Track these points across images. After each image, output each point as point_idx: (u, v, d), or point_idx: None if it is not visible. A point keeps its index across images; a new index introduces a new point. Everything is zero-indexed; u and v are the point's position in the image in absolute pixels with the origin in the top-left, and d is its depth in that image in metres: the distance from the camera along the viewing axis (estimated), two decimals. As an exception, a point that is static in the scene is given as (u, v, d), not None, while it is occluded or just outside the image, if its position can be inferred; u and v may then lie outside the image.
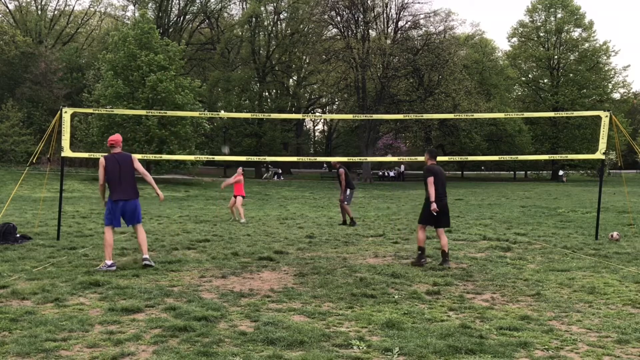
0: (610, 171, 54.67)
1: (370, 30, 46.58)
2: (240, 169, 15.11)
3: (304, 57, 56.88)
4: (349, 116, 14.68)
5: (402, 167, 52.65)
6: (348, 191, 13.89)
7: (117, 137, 8.04)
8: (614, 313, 5.61)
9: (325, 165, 56.03)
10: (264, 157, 13.53)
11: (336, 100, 58.99)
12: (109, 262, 7.54)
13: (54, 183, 26.22)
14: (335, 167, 14.58)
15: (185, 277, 7.22)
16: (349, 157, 13.15)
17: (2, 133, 36.19)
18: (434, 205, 7.94)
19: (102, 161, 7.75)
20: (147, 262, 7.65)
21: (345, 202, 13.87)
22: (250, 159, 12.75)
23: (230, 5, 57.52)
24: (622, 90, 58.94)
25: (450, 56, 43.64)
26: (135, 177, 7.81)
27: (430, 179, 8.00)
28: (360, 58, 41.83)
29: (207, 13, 54.21)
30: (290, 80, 61.26)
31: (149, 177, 7.86)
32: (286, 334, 4.76)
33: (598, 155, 10.96)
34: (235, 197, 14.57)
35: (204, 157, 12.96)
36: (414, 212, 17.91)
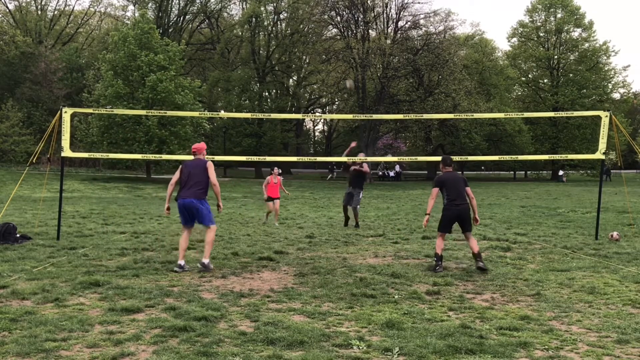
0: (611, 171, 54.68)
1: (370, 30, 46.54)
2: (276, 169, 14.23)
3: (304, 57, 56.88)
4: (349, 116, 14.65)
5: (398, 167, 52.26)
6: (361, 194, 13.14)
7: (199, 145, 8.25)
8: (614, 313, 5.61)
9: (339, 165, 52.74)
10: (264, 157, 13.50)
11: (336, 100, 58.98)
12: (180, 263, 7.66)
13: (54, 183, 26.22)
14: (357, 164, 13.31)
15: (185, 277, 7.22)
16: (349, 157, 13.11)
17: (2, 133, 36.20)
18: (425, 219, 8.15)
19: (180, 166, 8.07)
20: (201, 267, 7.64)
21: (358, 205, 13.08)
22: (250, 159, 12.74)
23: (230, 5, 57.59)
24: (622, 90, 58.91)
25: (450, 56, 43.61)
26: (205, 182, 7.86)
27: (434, 190, 8.07)
28: (360, 58, 41.81)
29: (207, 13, 54.23)
30: (290, 80, 61.27)
31: (217, 188, 7.93)
32: (286, 334, 4.76)
33: (598, 155, 10.96)
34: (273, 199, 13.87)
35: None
36: (414, 212, 17.91)
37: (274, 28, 54.82)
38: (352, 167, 13.21)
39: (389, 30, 46.91)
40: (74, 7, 57.09)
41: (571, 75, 55.38)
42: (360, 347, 4.52)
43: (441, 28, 47.42)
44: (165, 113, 16.30)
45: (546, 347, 4.59)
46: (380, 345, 4.56)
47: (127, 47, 33.06)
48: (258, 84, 54.79)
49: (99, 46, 48.69)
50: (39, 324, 4.94)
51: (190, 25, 55.99)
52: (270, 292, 6.41)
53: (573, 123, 52.48)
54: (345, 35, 45.93)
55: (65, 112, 10.46)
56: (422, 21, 46.20)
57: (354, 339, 4.70)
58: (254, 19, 51.60)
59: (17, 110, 38.22)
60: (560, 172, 51.36)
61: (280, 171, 14.78)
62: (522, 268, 8.01)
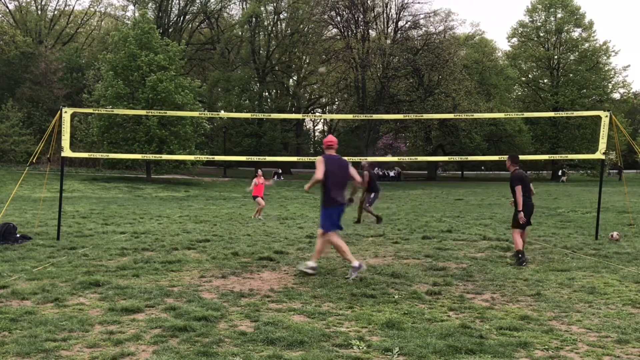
0: (610, 171, 54.63)
1: (370, 30, 46.59)
2: (260, 172, 15.68)
3: (304, 57, 56.90)
4: (349, 116, 14.65)
5: (394, 171, 51.57)
6: (372, 194, 14.06)
7: (334, 138, 7.67)
8: (614, 313, 5.61)
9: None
10: (264, 157, 13.51)
11: (336, 100, 59.02)
12: (355, 264, 7.15)
13: (54, 183, 26.22)
14: (363, 168, 14.13)
15: (185, 277, 7.22)
16: (349, 157, 13.10)
17: (2, 133, 36.19)
18: (521, 214, 8.17)
19: (324, 159, 7.34)
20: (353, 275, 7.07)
21: (368, 204, 14.07)
22: (250, 159, 12.74)
23: (230, 5, 57.66)
24: (622, 90, 58.90)
25: (450, 56, 43.64)
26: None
27: (519, 188, 8.17)
28: (360, 58, 41.83)
29: (207, 13, 54.26)
30: (290, 80, 61.29)
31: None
32: (286, 334, 4.76)
33: (598, 155, 10.96)
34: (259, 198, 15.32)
35: (204, 157, 12.96)
36: (414, 212, 17.91)
37: (274, 28, 54.85)
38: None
39: (389, 30, 46.96)
40: (74, 7, 56.99)
41: (571, 75, 55.37)
42: (360, 347, 4.52)
43: (441, 28, 47.54)
44: (165, 113, 16.33)
45: (546, 347, 4.59)
46: (380, 345, 4.56)
47: (127, 47, 33.05)
48: (258, 84, 54.81)
49: (99, 46, 48.68)
50: (39, 324, 4.94)
51: (190, 25, 56.01)
52: (270, 292, 6.40)
53: (573, 123, 52.48)
54: (345, 35, 45.96)
55: (65, 112, 10.46)
56: (422, 21, 46.33)
57: (354, 339, 4.70)
58: (254, 19, 51.63)
59: (17, 110, 38.22)
60: (560, 172, 51.35)
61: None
62: (522, 268, 8.00)
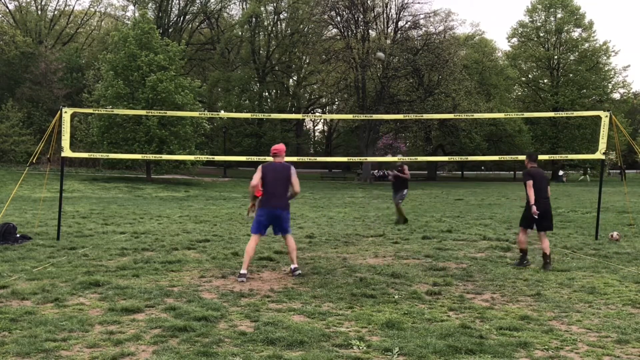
0: (610, 171, 54.61)
1: (370, 30, 46.55)
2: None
3: (304, 57, 56.90)
4: (349, 116, 14.65)
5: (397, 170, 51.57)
6: (405, 191, 14.04)
7: (280, 146, 7.93)
8: (614, 313, 5.62)
9: (387, 172, 48.58)
10: (264, 157, 13.51)
11: (336, 100, 58.99)
12: (242, 271, 7.21)
13: (54, 183, 26.21)
14: (401, 167, 14.10)
15: (185, 277, 7.22)
16: (349, 157, 13.10)
17: (2, 133, 36.17)
18: (534, 208, 7.98)
19: (261, 168, 7.62)
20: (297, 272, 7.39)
21: (400, 200, 13.98)
22: (250, 159, 12.74)
23: (230, 5, 57.65)
24: (622, 91, 58.81)
25: (450, 56, 43.61)
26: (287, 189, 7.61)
27: (529, 182, 8.10)
28: (360, 58, 41.82)
29: (207, 13, 54.26)
30: (290, 80, 61.29)
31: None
32: (286, 334, 4.76)
33: (598, 155, 10.96)
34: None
35: (204, 157, 12.97)
36: (414, 212, 17.90)
37: (274, 28, 54.86)
38: (394, 173, 14.03)
39: (389, 30, 46.91)
40: (74, 7, 56.96)
41: (571, 75, 55.34)
42: (360, 347, 4.52)
43: (441, 28, 47.49)
44: (165, 113, 16.34)
45: (546, 347, 4.59)
46: (380, 345, 4.56)
47: (127, 47, 33.02)
48: (258, 84, 54.82)
49: (99, 46, 48.67)
50: (39, 324, 4.94)
51: (190, 25, 56.00)
52: (270, 292, 6.41)
53: (573, 123, 52.46)
54: (345, 35, 45.92)
55: (65, 112, 10.46)
56: (422, 21, 46.24)
57: (354, 339, 4.70)
58: (254, 19, 51.65)
59: (17, 110, 38.19)
60: (560, 172, 51.37)
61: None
62: (522, 268, 8.01)
